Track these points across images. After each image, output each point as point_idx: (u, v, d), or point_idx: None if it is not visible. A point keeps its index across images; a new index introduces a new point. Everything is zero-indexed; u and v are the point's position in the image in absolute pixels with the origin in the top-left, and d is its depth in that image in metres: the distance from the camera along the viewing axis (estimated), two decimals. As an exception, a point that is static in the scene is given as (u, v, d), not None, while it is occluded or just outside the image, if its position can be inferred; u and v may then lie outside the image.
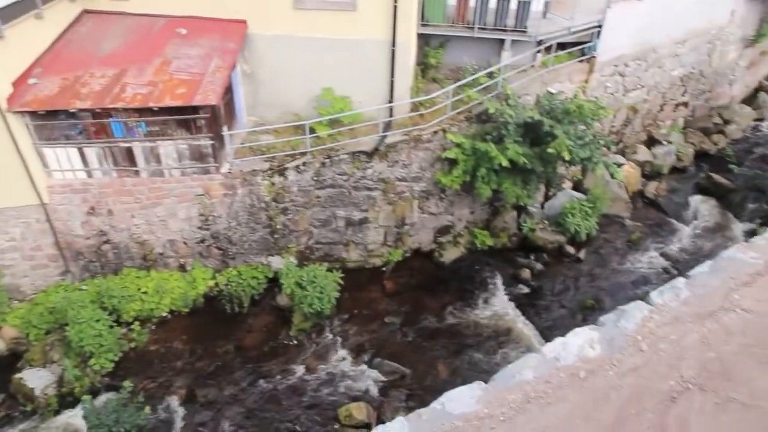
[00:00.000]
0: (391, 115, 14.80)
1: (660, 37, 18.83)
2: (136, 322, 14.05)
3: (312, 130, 14.11)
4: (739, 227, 18.43)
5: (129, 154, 12.90)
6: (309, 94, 14.67)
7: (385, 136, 14.58)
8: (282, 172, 14.13)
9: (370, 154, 14.57)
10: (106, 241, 14.09)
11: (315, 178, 14.49)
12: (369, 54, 14.10)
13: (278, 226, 14.88)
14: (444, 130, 15.01)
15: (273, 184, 14.17)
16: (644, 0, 17.33)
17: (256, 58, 14.39)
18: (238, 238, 14.70)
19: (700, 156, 21.44)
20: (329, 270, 14.79)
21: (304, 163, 14.22)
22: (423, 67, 16.07)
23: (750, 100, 24.84)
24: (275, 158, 14.14)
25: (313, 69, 14.33)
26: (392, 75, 14.36)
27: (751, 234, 16.54)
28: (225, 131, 13.26)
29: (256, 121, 15.16)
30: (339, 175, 14.64)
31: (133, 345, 13.79)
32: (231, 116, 14.19)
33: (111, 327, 13.32)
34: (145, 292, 14.25)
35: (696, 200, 19.58)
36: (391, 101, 14.68)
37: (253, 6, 13.65)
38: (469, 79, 15.05)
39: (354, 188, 14.92)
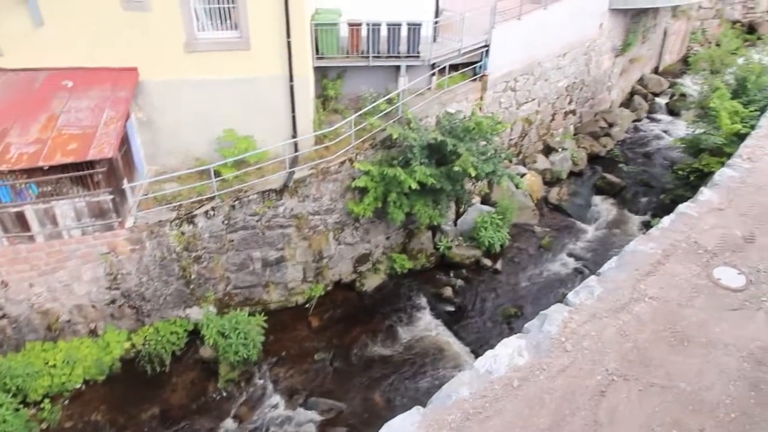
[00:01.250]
0: (296, 150, 14.74)
1: (542, 52, 20.10)
2: (46, 400, 12.88)
3: (217, 174, 13.77)
4: (635, 221, 19.74)
5: (20, 218, 11.98)
6: (210, 136, 14.34)
7: (292, 172, 14.48)
8: (191, 219, 13.65)
9: (279, 192, 14.39)
10: (2, 316, 12.95)
11: (226, 222, 14.10)
12: (268, 91, 14.02)
13: (193, 276, 14.31)
14: (351, 160, 15.12)
15: (182, 233, 13.64)
16: (523, 19, 18.47)
17: (151, 105, 13.93)
18: (152, 293, 13.98)
19: (593, 159, 22.88)
20: (251, 314, 14.35)
21: (212, 208, 13.81)
22: (323, 99, 16.18)
23: (627, 103, 27.00)
24: (182, 206, 13.64)
25: (212, 111, 14.05)
26: (293, 110, 14.35)
27: (646, 226, 17.76)
28: (125, 184, 12.63)
29: (158, 169, 14.60)
30: (250, 216, 14.33)
31: (44, 426, 12.64)
32: (130, 167, 13.58)
33: (17, 410, 12.15)
34: (54, 366, 13.14)
35: (595, 200, 20.82)
36: (294, 136, 14.62)
37: (143, 52, 13.23)
38: (370, 107, 15.33)
39: (267, 228, 14.65)
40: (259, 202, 14.27)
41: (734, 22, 33.35)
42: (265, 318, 14.38)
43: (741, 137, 15.85)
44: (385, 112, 15.42)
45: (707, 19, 32.50)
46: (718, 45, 25.19)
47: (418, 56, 15.90)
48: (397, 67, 16.16)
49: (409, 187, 14.36)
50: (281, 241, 14.96)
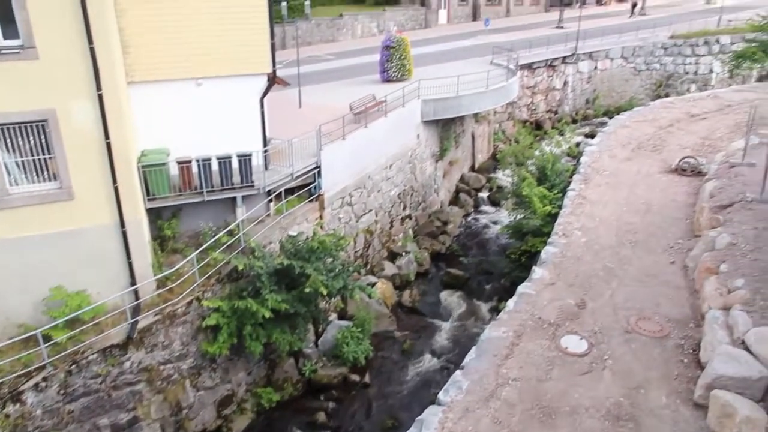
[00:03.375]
0: (137, 298, 13.75)
1: (371, 166, 21.47)
2: None
3: (47, 338, 12.29)
4: (484, 308, 20.89)
5: None
6: (35, 298, 12.88)
7: (135, 322, 13.41)
8: (17, 397, 11.86)
9: (123, 345, 13.18)
10: None
11: (62, 392, 12.45)
12: (98, 240, 13.15)
13: (25, 465, 12.22)
14: (198, 299, 14.46)
15: (7, 416, 11.76)
16: (348, 138, 19.73)
17: (-44, 276, 12.32)
18: (-29, 499, 11.64)
19: (436, 257, 24.20)
20: (104, 494, 12.48)
21: (44, 379, 12.17)
22: (160, 240, 15.53)
23: (455, 201, 29.41)
24: (4, 384, 11.85)
25: (34, 270, 12.72)
26: (129, 256, 13.53)
27: (495, 311, 18.86)
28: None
29: (-31, 348, 12.69)
30: (92, 378, 12.84)
31: None
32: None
33: None
34: None
35: (445, 296, 21.78)
36: (133, 284, 13.69)
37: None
38: (211, 241, 14.99)
39: (113, 388, 13.18)
40: (101, 362, 12.90)
41: (524, 122, 38.67)
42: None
43: (553, 217, 17.87)
44: (227, 244, 15.16)
45: (503, 120, 37.34)
46: (517, 141, 28.77)
47: (252, 185, 16.10)
48: (234, 199, 16.18)
49: (263, 316, 13.99)
50: (131, 400, 13.50)
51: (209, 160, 15.33)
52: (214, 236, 15.13)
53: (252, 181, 16.07)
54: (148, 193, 14.85)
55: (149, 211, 15.09)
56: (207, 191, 15.60)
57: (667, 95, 39.67)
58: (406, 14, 49.70)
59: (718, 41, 43.69)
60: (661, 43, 43.34)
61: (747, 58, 38.24)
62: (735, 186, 15.88)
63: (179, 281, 14.25)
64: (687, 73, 43.90)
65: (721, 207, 14.86)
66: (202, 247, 14.79)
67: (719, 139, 23.67)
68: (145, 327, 13.52)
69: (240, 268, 14.61)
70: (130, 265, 13.58)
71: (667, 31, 44.97)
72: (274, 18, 17.37)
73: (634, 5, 57.77)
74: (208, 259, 14.74)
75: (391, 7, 49.16)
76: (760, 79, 42.19)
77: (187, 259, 14.49)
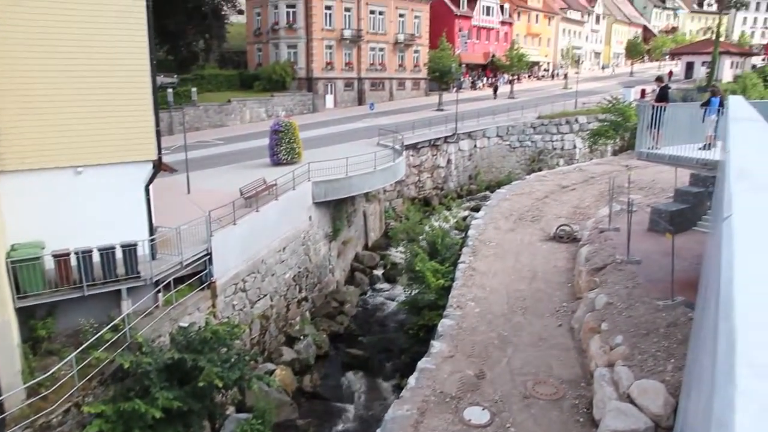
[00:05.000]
0: (2, 412, 12.25)
1: (264, 249, 21.14)
2: None
3: None
4: (387, 387, 20.64)
5: None
6: None
7: (1, 439, 11.90)
8: None
9: (-15, 469, 11.58)
10: None
11: None
12: (-45, 350, 11.74)
13: None
14: (78, 404, 13.13)
15: None
16: (239, 223, 19.43)
17: None
18: None
19: (334, 338, 23.82)
20: None
21: None
22: (33, 342, 14.11)
23: (350, 280, 29.45)
24: None
25: None
26: (-6, 365, 12.16)
27: (398, 388, 18.69)
28: None
29: None
30: None
31: None
32: None
33: None
34: None
35: (347, 377, 21.33)
36: (-1, 395, 12.25)
37: None
38: (92, 339, 13.83)
39: None
40: (-44, 492, 11.20)
41: (413, 199, 40.21)
42: None
43: (447, 290, 18.39)
44: (111, 341, 14.06)
45: (393, 198, 38.59)
46: (407, 218, 29.75)
47: (138, 276, 15.27)
48: (118, 291, 15.21)
49: (153, 417, 12.92)
50: None
51: (90, 251, 14.44)
52: (96, 333, 14.00)
53: (138, 272, 15.25)
54: (18, 291, 13.60)
55: (20, 310, 13.78)
56: (88, 285, 14.56)
57: (540, 169, 43.18)
58: (294, 99, 51.02)
59: (577, 120, 48.78)
60: (530, 122, 47.60)
61: (601, 135, 43.04)
62: (606, 249, 17.30)
63: (55, 387, 12.91)
64: (555, 148, 48.27)
65: (597, 269, 16.06)
66: (83, 347, 13.60)
67: (588, 207, 25.90)
68: (13, 444, 12.01)
69: (126, 366, 13.53)
70: (-4, 373, 12.19)
71: (534, 113, 49.53)
72: (160, 104, 17.19)
73: (496, 88, 64.59)
74: (89, 359, 13.53)
75: (279, 92, 50.34)
76: (615, 153, 47.22)
77: (65, 361, 13.23)
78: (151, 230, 16.61)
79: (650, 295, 13.50)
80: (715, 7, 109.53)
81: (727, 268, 1.30)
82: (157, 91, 16.35)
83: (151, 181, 16.37)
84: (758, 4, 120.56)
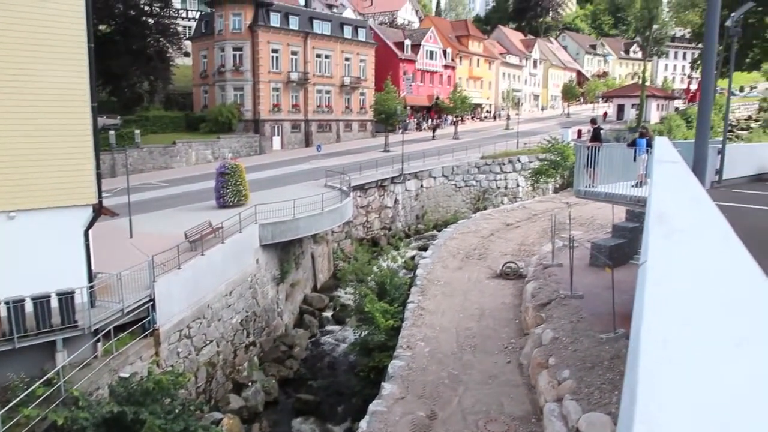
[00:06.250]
0: None
1: (210, 294, 20.60)
2: None
3: None
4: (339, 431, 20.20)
5: None
6: None
7: None
8: None
9: None
10: None
11: None
12: None
13: None
14: (6, 466, 12.26)
15: None
16: (183, 268, 18.94)
17: None
18: None
19: (284, 383, 23.20)
20: None
21: None
22: (-44, 402, 13.18)
23: (299, 323, 28.96)
24: None
25: None
26: None
27: (349, 433, 18.31)
28: None
29: None
30: None
31: None
32: None
33: None
34: None
35: (297, 423, 20.72)
36: None
37: None
38: (23, 395, 13.01)
39: None
40: None
41: (361, 240, 40.22)
42: None
43: (397, 330, 18.34)
44: (43, 396, 13.27)
45: (341, 240, 38.50)
46: (356, 259, 29.66)
47: (75, 326, 14.60)
48: (53, 342, 14.46)
49: (91, 475, 12.19)
50: None
51: (22, 300, 13.73)
52: (27, 389, 13.19)
53: (75, 321, 14.59)
54: (-58, 346, 12.75)
55: (-57, 367, 12.89)
56: (18, 337, 13.80)
57: (485, 208, 44.18)
58: (240, 141, 50.77)
59: (519, 160, 50.37)
60: (474, 162, 48.80)
61: (543, 174, 44.68)
62: (550, 285, 17.72)
63: (-20, 449, 12.04)
64: (499, 187, 49.54)
65: (542, 305, 16.40)
66: (11, 404, 12.76)
67: (532, 244, 26.57)
68: None
69: (60, 423, 12.74)
70: None
71: (478, 152, 50.88)
72: (102, 146, 16.79)
73: (434, 129, 66.93)
74: (17, 418, 12.70)
75: (226, 134, 50.02)
76: (556, 190, 48.91)
77: (-8, 420, 12.39)
78: (90, 277, 15.99)
79: (594, 328, 13.86)
80: (640, 54, 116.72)
81: (638, 317, 1.37)
82: (99, 133, 15.99)
83: (90, 225, 15.84)
84: (676, 52, 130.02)
